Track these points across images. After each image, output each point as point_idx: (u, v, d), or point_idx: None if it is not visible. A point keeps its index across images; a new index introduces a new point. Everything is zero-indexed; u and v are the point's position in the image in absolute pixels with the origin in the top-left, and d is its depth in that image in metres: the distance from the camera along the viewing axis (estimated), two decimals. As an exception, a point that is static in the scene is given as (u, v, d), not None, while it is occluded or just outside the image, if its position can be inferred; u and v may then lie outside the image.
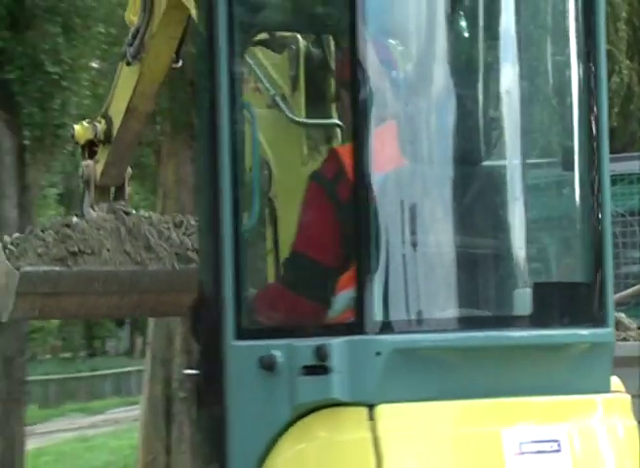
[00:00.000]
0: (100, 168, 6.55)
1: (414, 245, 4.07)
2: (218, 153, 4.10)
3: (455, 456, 3.89)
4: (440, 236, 4.16)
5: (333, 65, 5.21)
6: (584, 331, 4.26)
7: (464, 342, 4.02)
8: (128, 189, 6.86)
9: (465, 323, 4.15)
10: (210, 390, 4.16)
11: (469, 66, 4.38)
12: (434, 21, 4.27)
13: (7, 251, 6.16)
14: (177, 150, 17.33)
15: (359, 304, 3.78)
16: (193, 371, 4.32)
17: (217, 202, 4.10)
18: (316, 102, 5.37)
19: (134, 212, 6.71)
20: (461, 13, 4.38)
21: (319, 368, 3.69)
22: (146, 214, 6.70)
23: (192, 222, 6.56)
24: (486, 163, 4.40)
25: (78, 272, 6.18)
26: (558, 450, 3.97)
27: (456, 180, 4.24)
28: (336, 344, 3.69)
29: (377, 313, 3.80)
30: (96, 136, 6.49)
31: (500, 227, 4.42)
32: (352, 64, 3.85)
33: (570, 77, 4.48)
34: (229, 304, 4.03)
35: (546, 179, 4.62)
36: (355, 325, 3.79)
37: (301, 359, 3.73)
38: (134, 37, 6.05)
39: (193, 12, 5.65)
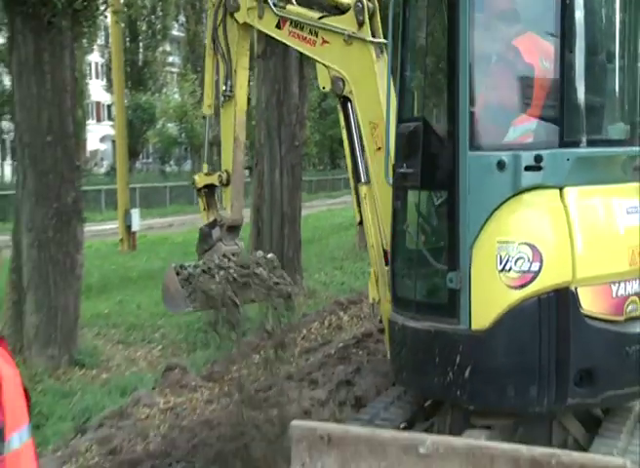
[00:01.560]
0: (229, 207, 5.37)
1: (582, 99, 3.70)
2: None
3: (596, 208, 3.75)
4: (594, 95, 3.82)
5: None
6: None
7: (611, 153, 3.81)
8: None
9: (610, 143, 3.90)
10: (431, 180, 3.80)
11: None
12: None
13: (179, 275, 4.92)
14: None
15: (557, 130, 3.56)
16: (406, 170, 3.86)
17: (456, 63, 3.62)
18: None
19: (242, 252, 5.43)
20: None
21: (535, 167, 3.52)
22: (258, 256, 5.35)
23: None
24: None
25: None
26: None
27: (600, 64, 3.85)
28: (546, 153, 3.51)
29: (566, 136, 3.59)
30: (221, 181, 5.33)
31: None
32: None
33: None
34: (465, 128, 3.58)
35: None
36: (553, 142, 3.58)
37: (524, 161, 3.52)
38: (225, 83, 5.27)
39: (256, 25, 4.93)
